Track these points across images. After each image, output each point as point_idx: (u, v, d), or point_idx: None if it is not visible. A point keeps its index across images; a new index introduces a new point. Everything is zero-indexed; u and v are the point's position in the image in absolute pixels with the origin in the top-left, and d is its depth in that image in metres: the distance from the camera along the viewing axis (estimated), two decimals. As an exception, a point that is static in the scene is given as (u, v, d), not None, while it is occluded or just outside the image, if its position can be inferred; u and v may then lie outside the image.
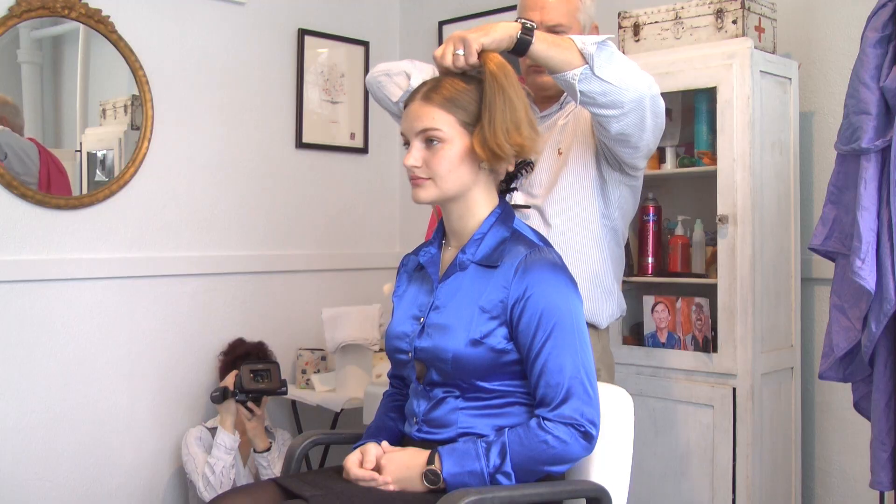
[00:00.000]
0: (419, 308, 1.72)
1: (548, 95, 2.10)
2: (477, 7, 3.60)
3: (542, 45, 1.74)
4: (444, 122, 1.63)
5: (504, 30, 1.71)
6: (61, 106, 3.00)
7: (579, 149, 2.01)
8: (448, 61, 1.68)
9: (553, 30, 1.96)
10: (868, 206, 2.05)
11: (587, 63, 1.73)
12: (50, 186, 2.85)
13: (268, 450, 2.91)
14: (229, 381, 2.89)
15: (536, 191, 2.04)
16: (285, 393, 2.92)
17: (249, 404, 2.85)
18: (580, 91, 1.75)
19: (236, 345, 3.18)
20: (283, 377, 2.92)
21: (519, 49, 1.74)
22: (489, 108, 1.62)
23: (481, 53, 1.67)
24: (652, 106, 1.84)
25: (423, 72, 1.97)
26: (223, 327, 3.29)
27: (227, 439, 2.85)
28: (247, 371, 2.84)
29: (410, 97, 1.69)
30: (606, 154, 1.99)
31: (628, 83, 1.77)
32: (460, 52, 1.67)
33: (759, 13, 2.63)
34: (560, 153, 2.03)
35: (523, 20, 1.75)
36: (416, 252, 1.80)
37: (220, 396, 2.87)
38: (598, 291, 2.03)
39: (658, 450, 2.70)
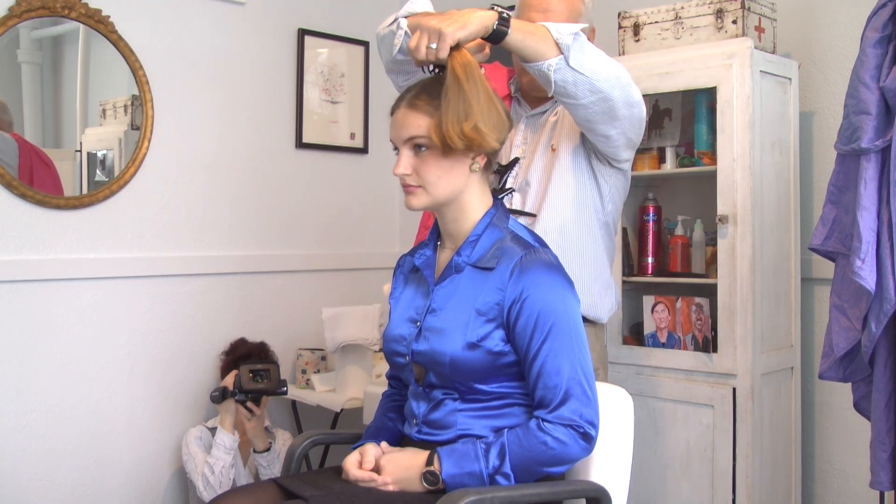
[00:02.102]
0: (416, 311, 1.71)
1: (542, 97, 2.09)
2: (476, 7, 3.58)
3: (517, 34, 1.72)
4: (431, 129, 1.61)
5: (480, 20, 1.68)
6: (61, 106, 2.99)
7: (571, 146, 2.01)
8: (422, 55, 1.66)
9: None
10: (868, 206, 2.04)
11: (562, 53, 1.73)
12: (33, 180, 2.83)
13: (267, 450, 2.91)
14: (229, 380, 2.89)
15: (533, 190, 2.04)
16: (285, 393, 2.92)
17: (249, 404, 2.85)
18: (554, 81, 1.75)
19: (238, 345, 3.18)
20: (282, 377, 2.92)
21: (494, 38, 1.72)
22: (444, 96, 1.60)
23: (452, 48, 1.64)
24: (623, 96, 1.83)
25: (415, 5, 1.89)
26: (223, 327, 3.29)
27: (226, 439, 2.85)
28: (246, 371, 2.84)
29: (396, 104, 1.68)
30: (594, 148, 1.99)
31: (599, 73, 1.77)
32: (434, 45, 1.64)
33: (759, 13, 2.63)
34: (553, 150, 2.03)
35: (500, 8, 1.72)
36: (412, 253, 1.79)
37: (220, 396, 2.87)
38: (598, 286, 2.04)
39: (658, 450, 2.69)
